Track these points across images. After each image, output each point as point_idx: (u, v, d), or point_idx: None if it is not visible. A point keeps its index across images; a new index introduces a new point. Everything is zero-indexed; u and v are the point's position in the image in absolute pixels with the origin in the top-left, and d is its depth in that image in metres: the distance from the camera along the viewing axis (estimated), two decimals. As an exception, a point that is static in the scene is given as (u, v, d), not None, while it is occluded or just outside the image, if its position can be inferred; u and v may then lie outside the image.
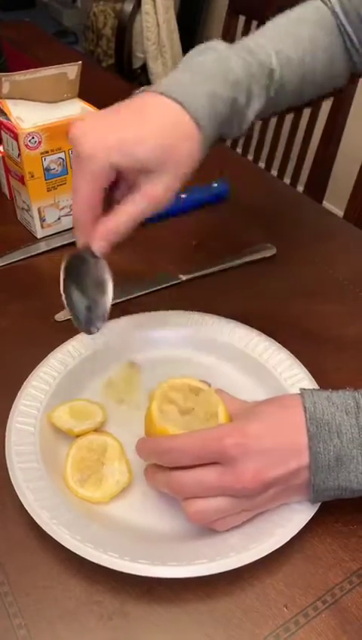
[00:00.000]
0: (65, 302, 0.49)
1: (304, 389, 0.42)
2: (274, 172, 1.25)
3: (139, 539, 0.42)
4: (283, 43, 0.52)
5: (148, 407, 0.44)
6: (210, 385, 0.46)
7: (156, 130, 0.42)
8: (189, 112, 0.42)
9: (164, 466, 0.41)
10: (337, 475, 0.40)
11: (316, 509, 0.43)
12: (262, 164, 1.28)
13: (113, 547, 0.41)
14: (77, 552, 0.40)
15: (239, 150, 1.32)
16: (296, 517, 0.42)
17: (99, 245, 0.45)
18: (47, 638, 0.39)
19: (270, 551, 0.41)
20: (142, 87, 0.44)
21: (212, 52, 0.48)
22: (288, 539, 0.41)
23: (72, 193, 0.43)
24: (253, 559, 0.40)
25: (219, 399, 0.44)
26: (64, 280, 0.49)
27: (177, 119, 0.42)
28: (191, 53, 0.49)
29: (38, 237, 0.74)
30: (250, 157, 1.31)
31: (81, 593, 0.41)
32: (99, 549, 0.40)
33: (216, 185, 0.82)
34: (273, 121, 1.27)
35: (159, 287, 0.67)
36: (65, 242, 0.74)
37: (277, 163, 1.27)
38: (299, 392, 0.42)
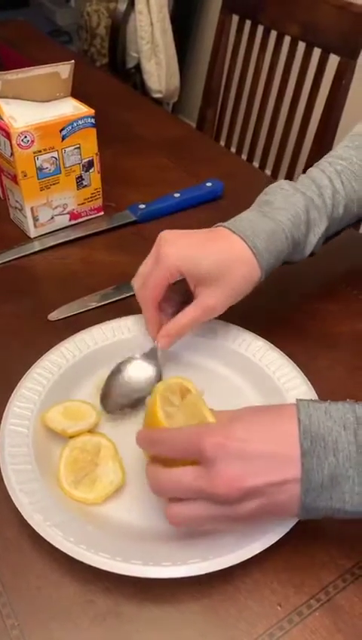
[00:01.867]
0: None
1: (300, 400, 0.39)
2: (268, 171, 1.25)
3: (133, 539, 0.42)
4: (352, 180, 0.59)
5: (151, 411, 0.43)
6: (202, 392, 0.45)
7: (218, 252, 0.52)
8: (249, 246, 0.52)
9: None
10: (330, 495, 0.37)
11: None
12: (256, 164, 1.28)
13: (106, 548, 0.41)
14: (70, 554, 0.40)
15: (233, 149, 1.31)
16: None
17: (163, 341, 0.53)
18: (41, 638, 0.39)
19: (263, 549, 0.41)
20: (217, 224, 0.55)
21: (279, 191, 0.57)
22: (281, 536, 0.41)
23: (146, 277, 0.53)
24: (245, 557, 0.40)
25: (203, 403, 0.43)
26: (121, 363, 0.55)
27: (238, 248, 0.52)
28: (262, 193, 0.59)
29: (31, 236, 0.74)
30: (244, 156, 1.31)
31: (75, 593, 0.41)
32: (92, 550, 0.40)
33: (210, 184, 0.82)
34: (266, 121, 1.27)
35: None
36: (58, 241, 0.74)
37: (271, 162, 1.27)
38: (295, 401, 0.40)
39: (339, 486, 0.37)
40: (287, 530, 0.42)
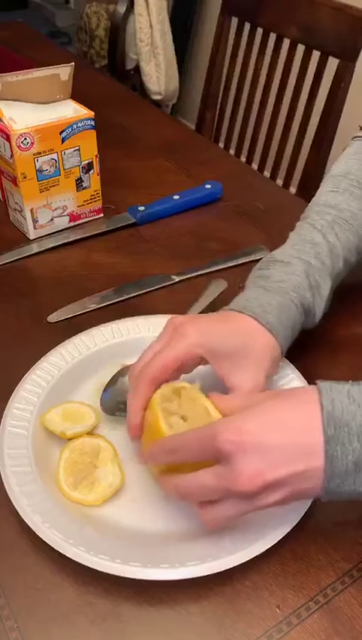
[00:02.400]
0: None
1: (321, 382, 0.38)
2: (267, 173, 1.25)
3: (132, 541, 0.42)
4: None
5: (154, 426, 0.43)
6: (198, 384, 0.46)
7: (237, 329, 0.48)
8: (262, 324, 0.49)
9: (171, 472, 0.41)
10: (354, 480, 0.36)
11: (306, 508, 0.43)
12: (255, 166, 1.28)
13: (105, 550, 0.41)
14: (69, 556, 0.40)
15: (232, 151, 1.32)
16: (288, 517, 0.43)
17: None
18: (39, 638, 0.39)
19: (261, 551, 0.41)
20: (223, 308, 0.52)
21: (273, 264, 0.54)
22: (279, 539, 0.41)
23: (154, 356, 0.46)
24: (244, 560, 0.40)
25: (200, 394, 0.43)
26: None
27: (253, 326, 0.49)
28: (256, 269, 0.56)
29: (31, 238, 0.74)
30: (243, 158, 1.31)
31: (74, 595, 0.41)
32: (92, 551, 0.40)
33: (209, 186, 0.82)
34: (265, 123, 1.27)
35: (152, 289, 0.67)
36: (57, 243, 0.74)
37: (269, 165, 1.28)
38: (315, 385, 0.39)
39: None
40: (286, 532, 0.42)
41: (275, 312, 0.50)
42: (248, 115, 1.30)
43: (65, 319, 0.63)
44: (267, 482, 0.36)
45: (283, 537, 0.42)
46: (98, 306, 0.64)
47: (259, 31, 1.23)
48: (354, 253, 0.57)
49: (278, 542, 0.41)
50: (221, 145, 1.36)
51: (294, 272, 0.53)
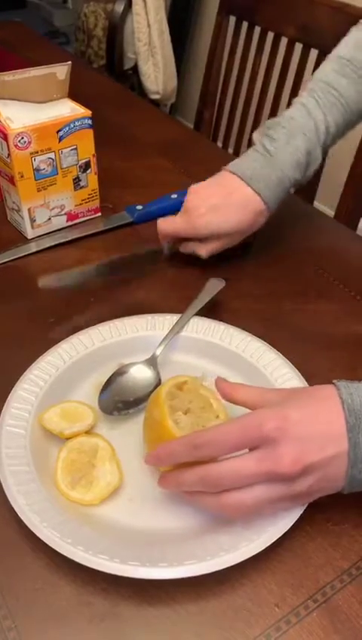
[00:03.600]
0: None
1: (338, 381, 0.42)
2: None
3: (130, 540, 0.42)
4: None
5: (160, 423, 0.43)
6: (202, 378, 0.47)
7: (236, 212, 0.65)
8: (265, 202, 0.65)
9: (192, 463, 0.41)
10: None
11: (305, 506, 0.43)
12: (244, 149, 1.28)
13: (104, 549, 0.41)
14: (68, 556, 0.40)
15: (231, 150, 1.32)
16: (286, 515, 0.42)
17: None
18: (36, 637, 0.39)
19: (259, 550, 0.41)
20: (224, 167, 0.68)
21: (281, 130, 0.67)
22: (277, 537, 0.41)
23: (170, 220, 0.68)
24: (242, 558, 0.40)
25: (202, 386, 0.45)
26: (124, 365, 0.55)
27: (255, 207, 0.65)
28: (265, 127, 0.69)
29: (29, 237, 0.74)
30: (230, 150, 1.31)
31: (72, 595, 0.41)
32: (90, 551, 0.40)
33: (206, 185, 0.82)
34: (264, 122, 1.27)
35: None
36: (55, 242, 0.74)
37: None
38: (332, 383, 0.42)
39: None
40: (284, 531, 0.42)
41: (277, 190, 0.65)
42: (246, 114, 1.30)
43: (61, 316, 0.62)
44: (305, 465, 0.39)
45: (281, 536, 0.41)
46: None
47: (257, 30, 1.23)
48: (339, 135, 0.70)
49: (277, 540, 0.41)
50: (219, 144, 1.36)
51: (298, 149, 0.65)
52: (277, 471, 0.38)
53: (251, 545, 0.41)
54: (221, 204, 0.64)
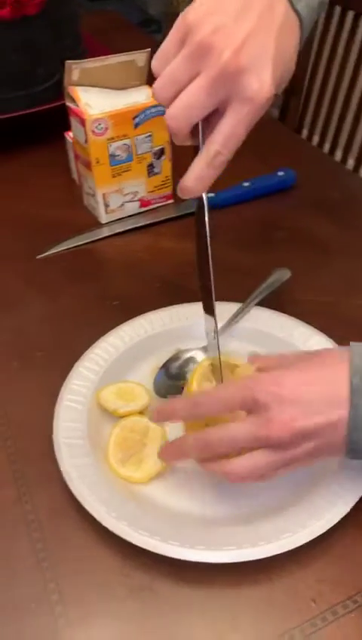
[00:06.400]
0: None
1: (355, 343, 0.40)
2: (352, 161, 1.21)
3: (173, 521, 0.43)
4: None
5: (188, 385, 0.45)
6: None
7: (265, 25, 0.41)
8: (300, 21, 0.44)
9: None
10: None
11: (353, 503, 0.42)
12: (339, 154, 1.24)
13: (146, 526, 0.42)
14: (111, 529, 0.42)
15: (316, 138, 1.28)
16: (332, 510, 0.42)
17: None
18: (79, 603, 0.40)
19: (300, 544, 0.40)
20: None
21: None
22: (321, 533, 0.41)
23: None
24: (281, 550, 0.40)
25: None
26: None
27: (288, 21, 0.42)
28: None
29: (103, 222, 0.76)
30: (327, 145, 1.27)
31: (114, 565, 0.42)
32: (133, 527, 0.41)
33: (282, 173, 0.81)
34: (352, 110, 1.23)
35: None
36: (127, 228, 0.75)
37: (342, 142, 1.23)
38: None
39: None
40: (329, 527, 0.41)
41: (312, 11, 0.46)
42: (334, 102, 1.26)
43: (124, 296, 0.64)
44: (297, 430, 0.38)
45: (324, 532, 0.41)
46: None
47: (350, 14, 1.18)
48: None
49: (319, 536, 0.41)
50: (305, 132, 1.33)
51: None
52: (267, 434, 0.38)
53: (292, 537, 0.41)
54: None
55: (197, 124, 0.43)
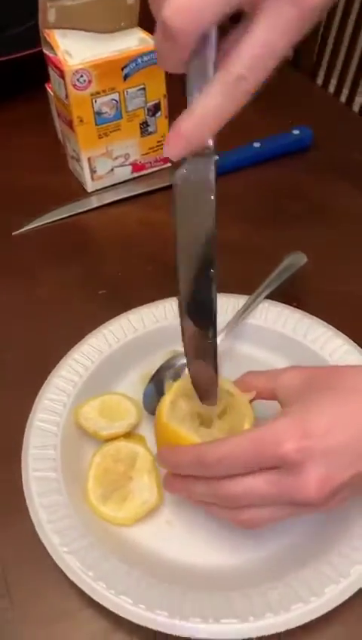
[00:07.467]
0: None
1: None
2: (360, 99, 1.09)
3: (163, 574, 0.36)
4: None
5: (158, 417, 0.38)
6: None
7: None
8: None
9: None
10: None
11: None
12: (346, 91, 1.12)
13: (129, 588, 0.35)
14: (86, 591, 0.35)
15: (331, 89, 1.15)
16: (353, 571, 0.34)
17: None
18: None
19: (316, 616, 0.33)
20: None
21: None
22: (342, 601, 0.34)
23: None
24: (292, 625, 0.33)
25: (249, 411, 0.38)
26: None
27: None
28: None
29: (89, 190, 0.66)
30: (344, 98, 1.14)
31: (93, 632, 0.35)
32: (112, 590, 0.34)
33: (297, 131, 0.70)
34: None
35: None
36: (118, 197, 0.65)
37: None
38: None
39: None
40: (351, 593, 0.34)
41: None
42: (353, 47, 1.12)
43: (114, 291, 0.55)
44: (334, 488, 0.32)
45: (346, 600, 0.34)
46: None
47: None
48: None
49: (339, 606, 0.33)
50: (319, 81, 1.20)
51: None
52: (298, 497, 0.32)
53: (308, 606, 0.33)
54: None
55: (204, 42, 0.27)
